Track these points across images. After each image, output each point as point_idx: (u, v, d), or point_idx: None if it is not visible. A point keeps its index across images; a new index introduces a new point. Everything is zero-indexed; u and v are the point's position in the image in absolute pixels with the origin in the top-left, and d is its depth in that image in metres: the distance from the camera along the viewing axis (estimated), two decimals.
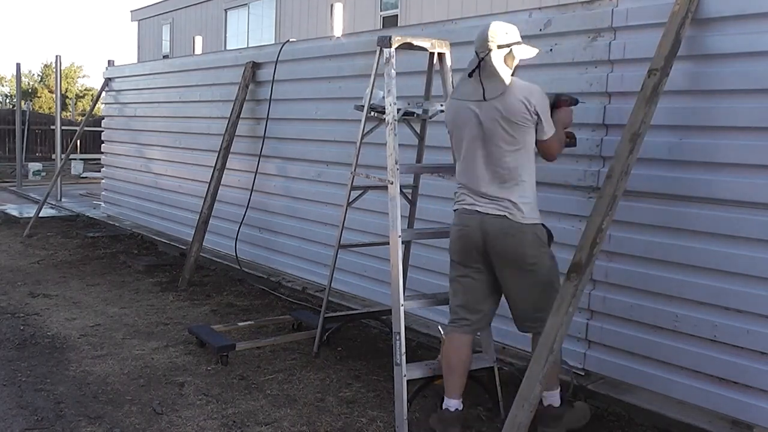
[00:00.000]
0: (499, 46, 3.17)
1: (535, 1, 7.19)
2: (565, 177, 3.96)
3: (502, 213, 3.13)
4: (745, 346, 3.26)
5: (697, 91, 3.44)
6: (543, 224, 3.23)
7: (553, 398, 3.34)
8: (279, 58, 6.16)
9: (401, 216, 3.55)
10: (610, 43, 3.77)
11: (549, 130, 3.18)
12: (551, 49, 4.04)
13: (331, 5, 6.47)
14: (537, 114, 3.11)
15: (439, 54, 3.85)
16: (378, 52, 3.76)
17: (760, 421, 3.22)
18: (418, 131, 4.24)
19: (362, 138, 4.12)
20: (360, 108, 4.12)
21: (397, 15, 12.99)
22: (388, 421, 3.50)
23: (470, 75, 3.22)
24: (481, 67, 3.17)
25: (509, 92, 3.11)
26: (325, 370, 4.18)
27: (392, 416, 3.49)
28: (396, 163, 3.51)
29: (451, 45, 3.93)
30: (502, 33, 3.19)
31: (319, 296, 5.52)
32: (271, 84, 6.25)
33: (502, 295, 3.34)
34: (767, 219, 3.19)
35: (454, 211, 3.33)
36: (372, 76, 3.94)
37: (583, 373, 3.88)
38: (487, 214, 3.16)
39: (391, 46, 3.61)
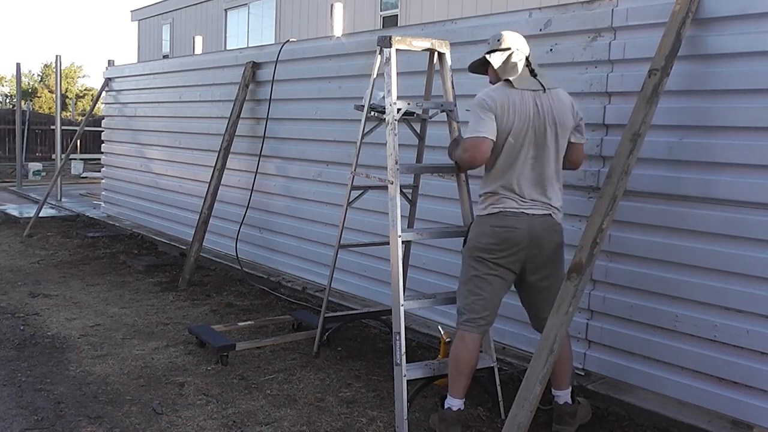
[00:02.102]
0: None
1: (535, 1, 7.18)
2: (566, 177, 3.95)
3: (548, 212, 3.24)
4: (745, 346, 3.26)
5: (697, 91, 3.44)
6: None
7: (567, 397, 3.36)
8: (279, 58, 6.17)
9: (401, 216, 3.54)
10: (610, 43, 3.77)
11: (583, 135, 3.39)
12: (551, 49, 4.04)
13: (331, 5, 6.46)
14: (579, 116, 3.31)
15: (439, 54, 3.85)
16: (378, 52, 3.76)
17: (760, 421, 3.22)
18: (418, 131, 4.24)
19: (362, 138, 4.12)
20: (360, 108, 4.12)
21: (397, 15, 12.98)
22: (388, 421, 3.50)
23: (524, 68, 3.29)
24: (529, 62, 3.29)
25: (561, 95, 3.27)
26: (325, 370, 4.18)
27: (392, 416, 3.49)
28: (396, 163, 3.51)
29: (451, 45, 3.92)
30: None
31: (319, 296, 5.52)
32: (271, 84, 6.25)
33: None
34: (767, 219, 3.19)
35: (491, 214, 3.25)
36: (372, 76, 3.94)
37: (583, 373, 3.88)
38: (535, 215, 3.22)
39: (391, 46, 3.61)
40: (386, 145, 3.54)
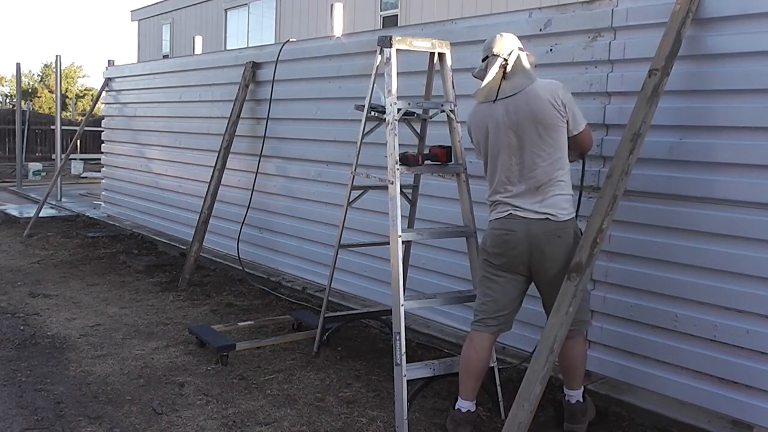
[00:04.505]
0: (510, 52, 3.27)
1: (535, 1, 7.18)
2: None
3: (543, 217, 3.14)
4: (745, 346, 3.26)
5: (697, 91, 3.44)
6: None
7: (579, 395, 3.38)
8: (279, 58, 6.16)
9: (401, 216, 3.54)
10: (610, 43, 3.77)
11: (581, 121, 3.24)
12: (551, 49, 4.04)
13: (331, 5, 6.47)
14: (565, 107, 3.15)
15: (440, 54, 3.85)
16: (378, 52, 3.76)
17: (760, 421, 3.22)
18: (418, 131, 4.23)
19: (362, 138, 4.11)
20: (360, 108, 4.12)
21: (397, 15, 12.99)
22: (388, 421, 3.50)
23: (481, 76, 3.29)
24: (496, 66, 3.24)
25: (535, 93, 3.15)
26: (325, 370, 4.18)
27: (392, 416, 3.49)
28: (396, 163, 3.51)
29: (451, 45, 3.92)
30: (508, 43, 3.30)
31: (319, 296, 5.52)
32: (272, 84, 6.25)
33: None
34: (767, 219, 3.19)
35: (494, 219, 3.28)
36: (372, 76, 3.94)
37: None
38: (532, 219, 3.16)
39: (391, 46, 3.61)
40: (386, 145, 3.54)
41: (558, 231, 3.15)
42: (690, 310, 3.45)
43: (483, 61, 3.32)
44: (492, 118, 3.24)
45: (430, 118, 4.18)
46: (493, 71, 3.22)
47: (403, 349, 3.36)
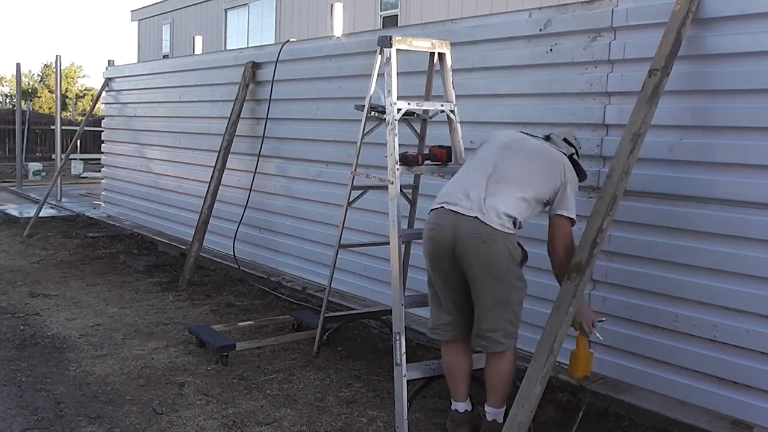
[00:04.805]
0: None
1: (535, 1, 7.18)
2: None
3: (474, 215, 3.02)
4: (745, 346, 3.26)
5: (697, 91, 3.44)
6: (519, 243, 3.13)
7: (498, 415, 3.25)
8: (279, 58, 6.16)
9: (401, 216, 3.54)
10: (610, 43, 3.77)
11: (569, 210, 3.14)
12: (551, 49, 4.04)
13: (331, 5, 6.47)
14: (564, 183, 3.14)
15: (440, 54, 3.85)
16: (378, 52, 3.76)
17: (760, 421, 3.22)
18: (419, 131, 4.23)
19: (362, 138, 4.11)
20: (360, 108, 4.12)
21: (397, 15, 12.99)
22: (388, 421, 3.50)
23: None
24: None
25: (555, 151, 3.27)
26: (325, 370, 4.18)
27: (392, 416, 3.49)
28: (396, 163, 3.51)
29: (451, 45, 3.92)
30: None
31: (319, 296, 5.52)
32: (271, 84, 6.25)
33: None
34: (767, 219, 3.19)
35: (430, 211, 3.24)
36: (373, 76, 3.94)
37: None
38: (461, 214, 3.05)
39: (391, 46, 3.61)
40: (386, 145, 3.54)
41: (484, 235, 3.01)
42: (690, 310, 3.45)
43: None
44: (509, 137, 3.34)
45: (430, 118, 4.18)
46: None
47: (403, 349, 3.36)
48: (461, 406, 3.31)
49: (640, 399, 3.58)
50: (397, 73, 3.63)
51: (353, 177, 4.17)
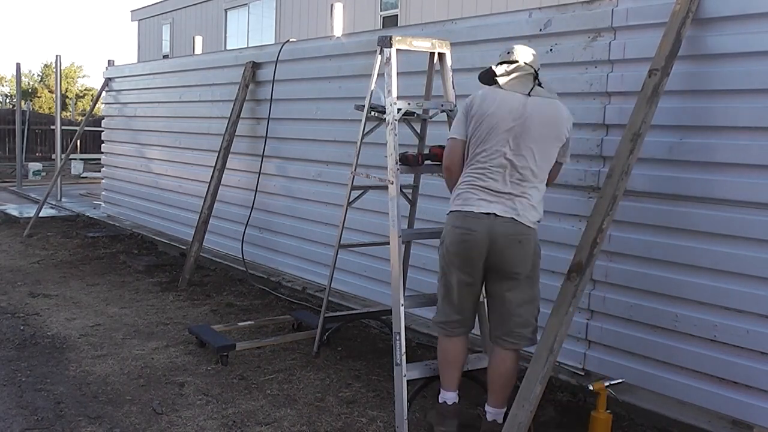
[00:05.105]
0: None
1: (535, 1, 7.18)
2: (566, 177, 3.96)
3: (510, 216, 3.07)
4: (745, 346, 3.26)
5: (697, 91, 3.44)
6: None
7: (499, 415, 3.25)
8: (279, 58, 6.16)
9: (401, 216, 3.54)
10: (610, 43, 3.77)
11: (567, 157, 3.32)
12: (551, 49, 4.04)
13: (331, 5, 6.47)
14: (567, 140, 3.23)
15: (440, 54, 3.85)
16: (378, 52, 3.76)
17: (760, 421, 3.22)
18: (419, 131, 4.24)
19: (362, 138, 4.11)
20: (360, 108, 4.12)
21: (397, 15, 12.99)
22: (388, 421, 3.50)
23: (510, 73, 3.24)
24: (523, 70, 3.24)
25: (562, 110, 3.21)
26: (325, 370, 4.18)
27: (392, 416, 3.49)
28: (396, 163, 3.51)
29: (451, 45, 3.92)
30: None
31: (319, 296, 5.52)
32: (272, 84, 6.25)
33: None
34: (767, 219, 3.19)
35: (454, 211, 3.22)
36: (373, 76, 3.94)
37: (583, 373, 3.89)
38: (498, 215, 3.07)
39: (391, 46, 3.61)
40: (386, 145, 3.54)
41: (520, 236, 3.08)
42: (690, 310, 3.45)
43: (499, 64, 3.30)
44: (505, 103, 3.15)
45: (430, 118, 4.18)
46: (525, 76, 3.22)
47: (403, 349, 3.36)
48: (451, 396, 3.29)
49: (640, 399, 3.58)
50: (397, 73, 3.63)
51: (353, 177, 4.17)
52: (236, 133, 6.51)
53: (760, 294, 3.20)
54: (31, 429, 3.39)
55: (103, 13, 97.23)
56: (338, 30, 6.19)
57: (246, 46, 14.46)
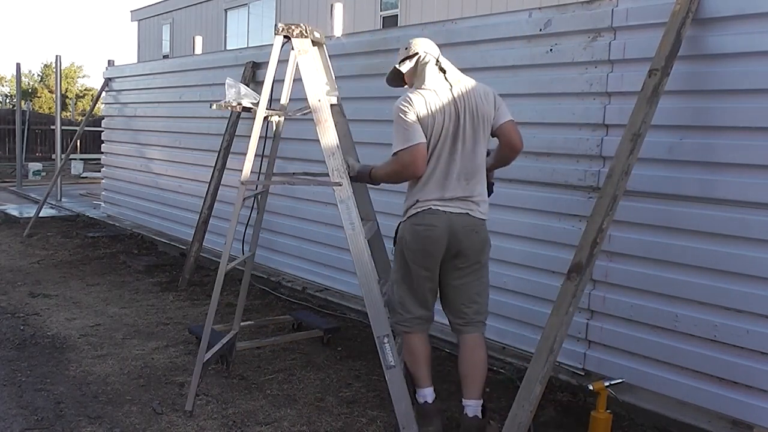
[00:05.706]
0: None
1: (535, 1, 7.18)
2: (566, 177, 3.96)
3: (465, 211, 3.17)
4: (745, 346, 3.26)
5: (697, 91, 3.44)
6: None
7: (477, 408, 3.20)
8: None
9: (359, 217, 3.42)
10: (610, 43, 3.77)
11: (509, 112, 3.26)
12: (551, 49, 4.04)
13: (331, 5, 6.46)
14: (497, 105, 3.23)
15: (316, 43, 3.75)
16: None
17: (761, 421, 3.22)
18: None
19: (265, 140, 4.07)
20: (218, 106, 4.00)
21: (397, 15, 12.99)
22: (388, 421, 3.50)
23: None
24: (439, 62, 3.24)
25: (483, 89, 3.23)
26: (325, 370, 4.18)
27: (392, 416, 3.48)
28: (344, 163, 3.40)
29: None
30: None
31: (319, 296, 5.53)
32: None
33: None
34: (767, 219, 3.19)
35: (414, 215, 3.19)
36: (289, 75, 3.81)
37: (583, 373, 3.89)
38: (454, 213, 3.15)
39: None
40: (321, 143, 3.46)
41: (476, 227, 3.20)
42: (690, 310, 3.45)
43: (402, 62, 3.30)
44: (440, 104, 3.13)
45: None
46: (432, 65, 3.21)
47: (395, 349, 3.27)
48: (429, 393, 3.27)
49: (640, 399, 3.58)
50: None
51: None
52: (236, 133, 6.50)
53: (760, 294, 3.20)
54: (31, 429, 3.39)
55: (103, 13, 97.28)
56: (338, 30, 6.18)
57: (246, 46, 14.46)
